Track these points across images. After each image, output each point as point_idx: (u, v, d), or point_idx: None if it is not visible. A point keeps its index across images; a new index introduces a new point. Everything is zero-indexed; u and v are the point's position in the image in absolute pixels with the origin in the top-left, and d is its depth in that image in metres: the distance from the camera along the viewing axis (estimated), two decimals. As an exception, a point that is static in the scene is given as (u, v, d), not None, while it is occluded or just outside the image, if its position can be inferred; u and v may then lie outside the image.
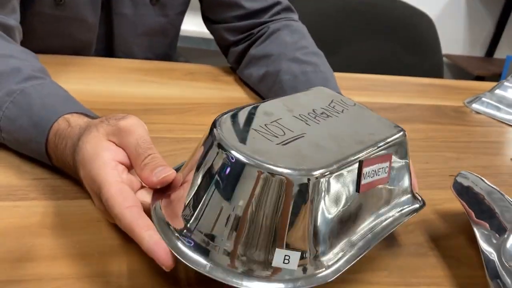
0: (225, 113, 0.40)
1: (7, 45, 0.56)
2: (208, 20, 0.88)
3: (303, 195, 0.35)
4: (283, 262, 0.35)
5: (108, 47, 0.85)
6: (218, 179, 0.36)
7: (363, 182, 0.39)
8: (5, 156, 0.51)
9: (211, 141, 0.37)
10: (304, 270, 0.36)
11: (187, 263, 0.35)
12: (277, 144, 0.37)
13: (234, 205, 0.35)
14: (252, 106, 0.43)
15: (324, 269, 0.37)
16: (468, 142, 0.77)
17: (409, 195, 0.46)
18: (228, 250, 0.35)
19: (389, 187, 0.43)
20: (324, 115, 0.44)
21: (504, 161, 0.73)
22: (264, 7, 0.83)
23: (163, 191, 0.40)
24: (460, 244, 0.51)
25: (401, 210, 0.45)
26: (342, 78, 0.91)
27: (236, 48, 0.84)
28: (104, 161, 0.39)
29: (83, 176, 0.40)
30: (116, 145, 0.41)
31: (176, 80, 0.80)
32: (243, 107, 0.42)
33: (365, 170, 0.39)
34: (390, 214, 0.44)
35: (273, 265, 0.35)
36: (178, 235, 0.36)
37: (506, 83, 0.94)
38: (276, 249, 0.35)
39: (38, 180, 0.49)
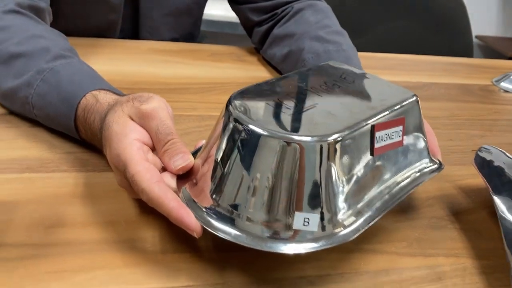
0: (239, 90, 0.42)
1: (37, 26, 0.59)
2: (233, 1, 0.88)
3: (318, 160, 0.36)
4: (303, 225, 0.36)
5: (134, 27, 0.87)
6: (237, 152, 0.37)
7: (376, 145, 0.40)
8: (37, 132, 0.54)
9: (228, 117, 0.38)
10: (324, 230, 0.37)
11: (214, 233, 0.37)
12: (290, 115, 0.39)
13: (254, 175, 0.37)
14: (264, 82, 0.44)
15: (342, 228, 0.38)
16: (494, 120, 0.76)
17: (426, 158, 0.47)
18: (251, 217, 0.37)
19: (405, 150, 0.44)
20: (336, 86, 0.45)
21: (532, 139, 0.72)
22: (288, -13, 0.83)
23: (186, 175, 0.41)
24: (481, 217, 0.51)
25: (418, 172, 0.46)
26: (368, 57, 0.91)
27: (260, 28, 0.85)
28: (131, 141, 0.40)
29: (109, 153, 0.42)
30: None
31: (201, 60, 0.81)
32: (256, 84, 0.43)
33: (378, 134, 0.40)
34: (407, 176, 0.45)
35: (294, 227, 0.37)
36: (205, 210, 0.38)
37: (536, 61, 0.92)
38: (296, 212, 0.36)
39: (69, 153, 0.51)
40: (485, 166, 0.48)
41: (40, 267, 0.37)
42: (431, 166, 0.47)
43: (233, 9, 0.90)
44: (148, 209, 0.44)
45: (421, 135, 0.47)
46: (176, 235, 0.42)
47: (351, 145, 0.38)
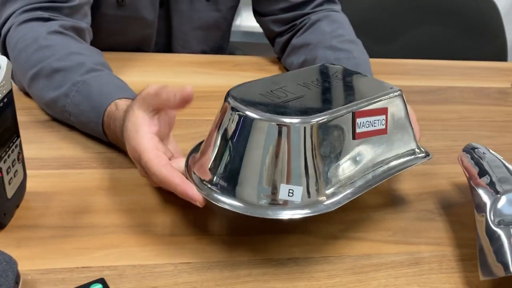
0: (238, 84, 0.48)
1: (77, 44, 0.68)
2: (257, 14, 0.96)
3: (302, 139, 0.42)
4: (288, 195, 0.43)
5: (167, 41, 0.96)
6: (235, 135, 0.44)
7: (358, 130, 0.46)
8: (74, 136, 0.62)
9: (226, 105, 0.45)
10: (309, 201, 0.43)
11: (217, 204, 0.44)
12: (279, 103, 0.45)
13: (249, 153, 0.43)
14: (261, 78, 0.51)
15: (325, 200, 0.44)
16: (506, 121, 0.78)
17: (412, 147, 0.52)
18: (248, 190, 0.43)
19: (389, 137, 0.49)
20: (326, 82, 0.51)
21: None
22: (306, 0, 0.89)
23: (193, 159, 0.48)
24: (469, 211, 0.54)
25: (403, 158, 0.50)
26: (385, 63, 0.95)
27: (281, 38, 0.91)
28: (142, 135, 0.48)
29: (128, 148, 0.50)
30: (152, 109, 0.49)
31: (225, 70, 0.88)
32: (254, 80, 0.50)
33: (359, 120, 0.46)
34: (391, 161, 0.50)
35: (280, 198, 0.43)
36: (209, 186, 0.45)
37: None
38: (281, 184, 0.42)
39: (99, 153, 0.59)
40: (469, 161, 0.52)
41: (68, 245, 0.45)
42: (417, 154, 0.52)
43: (257, 21, 0.97)
44: (162, 200, 0.51)
45: (407, 126, 0.51)
46: (184, 222, 0.49)
47: (333, 128, 0.44)
